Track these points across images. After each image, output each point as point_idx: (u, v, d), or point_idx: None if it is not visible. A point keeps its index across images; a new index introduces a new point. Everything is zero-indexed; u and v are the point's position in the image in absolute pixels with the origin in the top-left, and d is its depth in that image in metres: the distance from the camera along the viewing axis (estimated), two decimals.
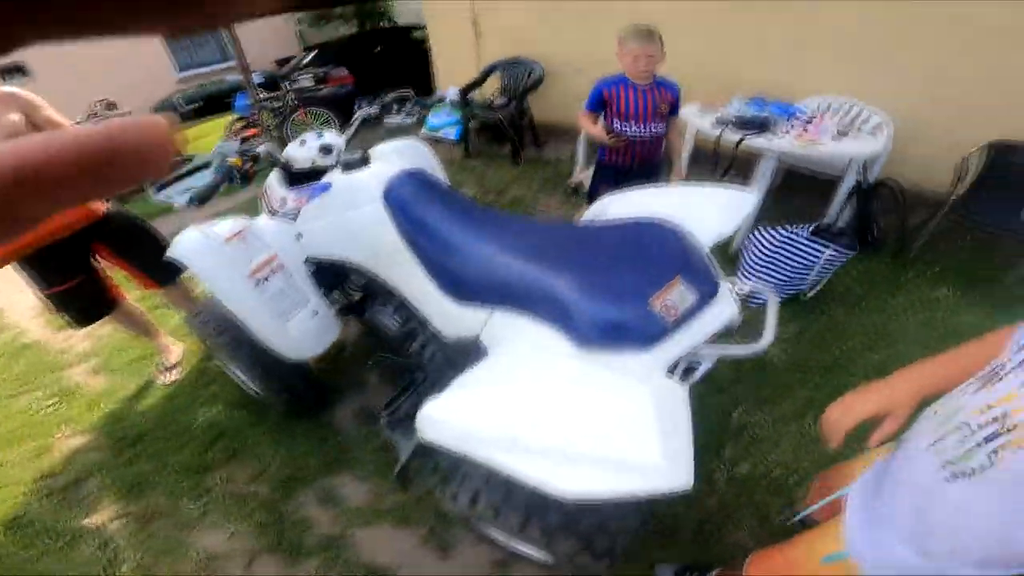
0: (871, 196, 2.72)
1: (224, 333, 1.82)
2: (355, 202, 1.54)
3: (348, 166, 1.62)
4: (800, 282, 2.40)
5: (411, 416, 1.31)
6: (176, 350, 2.69)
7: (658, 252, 1.18)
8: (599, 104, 2.22)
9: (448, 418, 0.93)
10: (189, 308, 2.52)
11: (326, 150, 1.75)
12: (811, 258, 2.28)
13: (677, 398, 0.93)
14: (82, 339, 3.04)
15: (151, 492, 2.10)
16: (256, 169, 1.71)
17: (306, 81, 6.42)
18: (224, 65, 11.46)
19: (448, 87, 5.13)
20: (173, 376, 2.59)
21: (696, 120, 2.90)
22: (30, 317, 3.51)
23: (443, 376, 1.47)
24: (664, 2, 3.37)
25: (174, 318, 2.98)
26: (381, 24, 14.11)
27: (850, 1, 2.84)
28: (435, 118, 5.08)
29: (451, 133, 4.98)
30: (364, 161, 1.65)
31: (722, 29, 3.37)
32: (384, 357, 1.91)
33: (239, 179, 1.65)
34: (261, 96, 7.00)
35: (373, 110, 2.04)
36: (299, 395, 2.09)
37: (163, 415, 2.43)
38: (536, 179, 4.20)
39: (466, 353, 1.32)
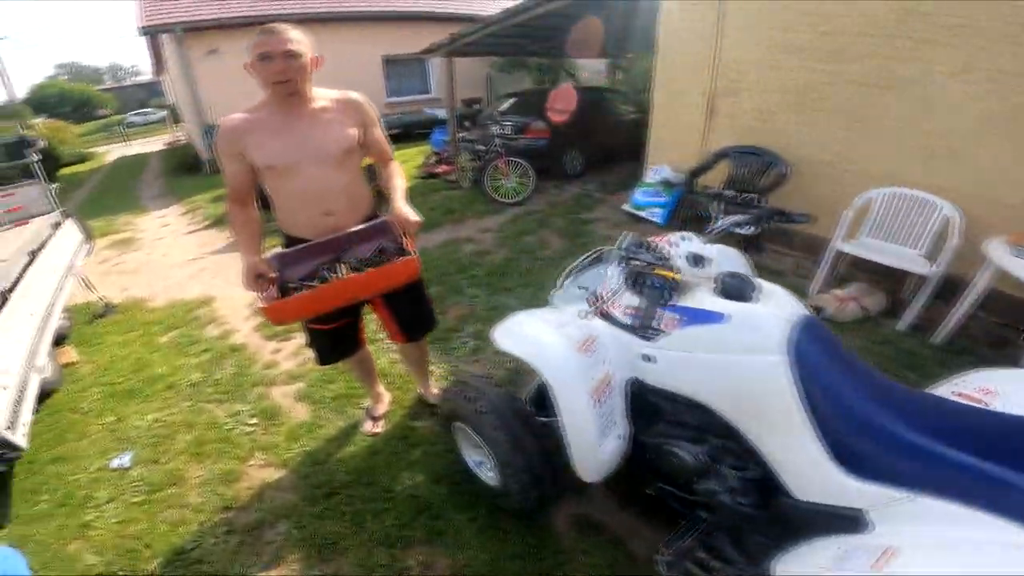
0: None
1: (503, 429, 1.66)
2: (750, 345, 1.26)
3: (737, 293, 1.33)
4: None
5: (696, 561, 1.33)
6: (386, 400, 2.52)
7: None
8: None
9: None
10: (419, 367, 2.42)
11: (697, 261, 1.43)
12: None
13: None
14: (288, 356, 3.03)
15: (341, 558, 1.87)
16: None
17: (504, 128, 6.54)
18: (423, 96, 12.47)
19: (660, 164, 4.84)
20: (379, 428, 2.43)
21: (1006, 260, 2.27)
22: (243, 317, 3.66)
23: (741, 525, 1.39)
24: (973, 104, 2.81)
25: (379, 360, 2.86)
26: (549, 80, 14.80)
27: None
28: (642, 195, 4.80)
29: (657, 215, 4.66)
30: (752, 289, 1.34)
31: None
32: (662, 488, 1.61)
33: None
34: (464, 136, 7.33)
35: (745, 227, 1.68)
36: (545, 499, 1.82)
37: (363, 470, 2.23)
38: None
39: (818, 518, 1.21)
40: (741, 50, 4.06)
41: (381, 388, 2.53)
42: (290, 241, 1.74)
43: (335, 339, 2.01)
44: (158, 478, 2.25)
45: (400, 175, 1.79)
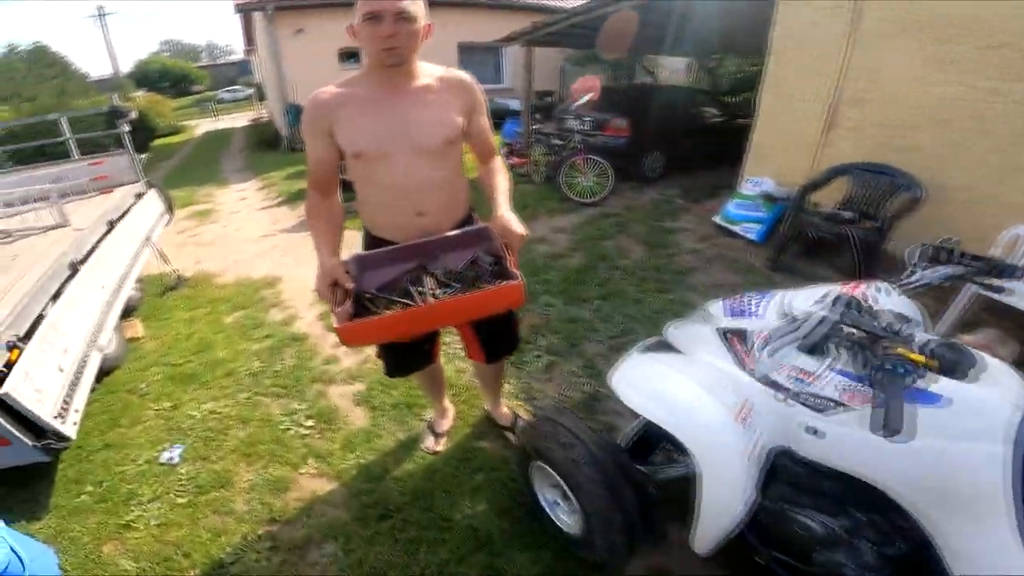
0: None
1: (602, 484, 1.40)
2: (969, 433, 1.00)
3: (954, 369, 1.03)
4: None
5: None
6: (451, 415, 2.30)
7: None
8: None
9: None
10: (493, 386, 2.19)
11: (899, 321, 1.09)
12: None
13: None
14: (350, 352, 2.86)
15: None
16: None
17: (581, 124, 6.17)
18: (496, 86, 12.28)
19: (761, 175, 4.34)
20: (440, 446, 2.20)
21: None
22: (307, 304, 3.55)
23: None
24: None
25: (445, 367, 2.62)
26: (625, 76, 14.19)
27: None
28: (736, 207, 4.33)
29: (752, 231, 4.18)
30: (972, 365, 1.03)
31: None
32: (776, 557, 1.32)
33: None
34: (539, 128, 7.03)
35: (950, 268, 1.29)
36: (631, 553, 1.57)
37: (421, 491, 2.00)
38: None
39: None
40: (877, 57, 3.53)
41: (447, 402, 2.30)
42: (372, 241, 1.50)
43: (408, 352, 1.77)
44: (206, 478, 2.11)
45: (505, 175, 1.49)
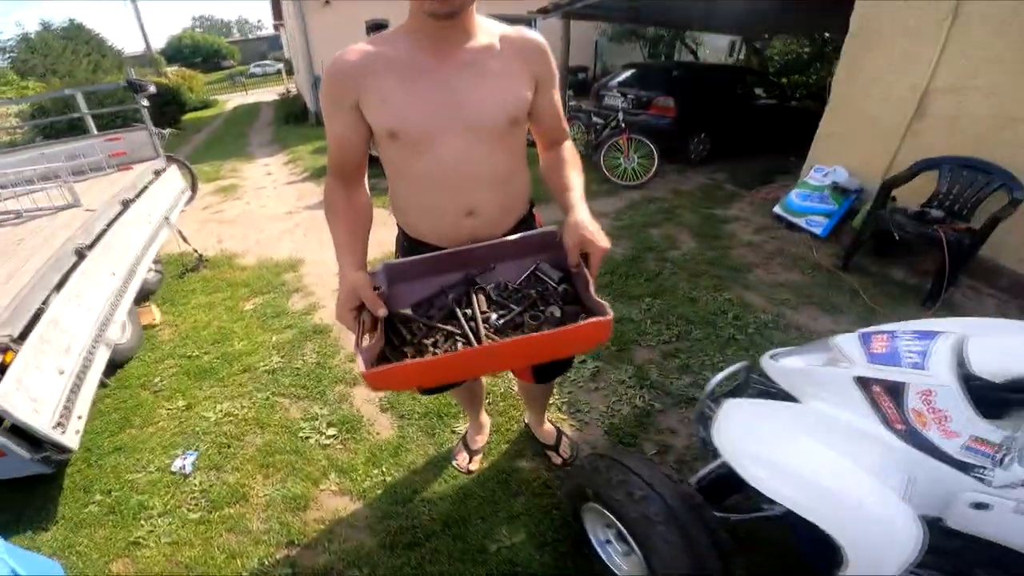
0: None
1: (679, 537, 1.14)
2: None
3: None
4: None
5: None
6: (487, 431, 2.06)
7: None
8: None
9: None
10: (538, 403, 1.93)
11: None
12: None
13: None
14: None
15: None
16: None
17: (624, 102, 5.74)
18: None
19: (831, 164, 3.90)
20: (475, 465, 1.96)
21: None
22: (331, 289, 3.33)
23: None
24: None
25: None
26: (665, 54, 13.43)
27: None
28: (800, 198, 3.91)
29: (817, 225, 3.76)
30: None
31: None
32: None
33: None
34: (580, 105, 6.62)
35: None
36: None
37: (453, 517, 1.77)
38: None
39: None
40: (981, 39, 3.05)
41: (484, 416, 2.04)
42: (408, 244, 1.20)
43: None
44: (220, 492, 1.91)
45: (579, 167, 1.13)
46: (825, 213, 3.75)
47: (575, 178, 1.08)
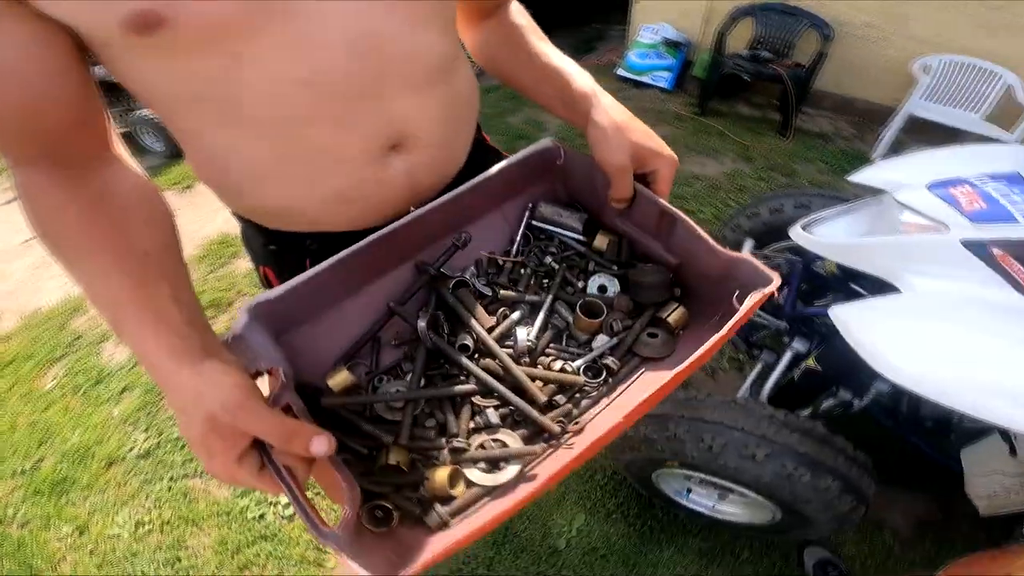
0: None
1: (793, 477, 0.94)
2: None
3: None
4: None
5: None
6: None
7: None
8: None
9: None
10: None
11: None
12: None
13: None
14: None
15: None
16: None
17: None
18: None
19: (654, 22, 3.83)
20: None
21: None
22: None
23: None
24: None
25: None
26: None
27: None
28: (639, 57, 3.79)
29: (662, 79, 3.74)
30: None
31: None
32: None
33: None
34: None
35: None
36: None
37: (499, 540, 1.47)
38: (816, 157, 3.05)
39: None
40: None
41: None
42: (280, 246, 0.63)
43: None
44: None
45: (541, 34, 0.65)
46: (666, 68, 3.73)
47: (557, 52, 0.63)
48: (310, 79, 0.45)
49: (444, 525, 0.42)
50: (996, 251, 0.79)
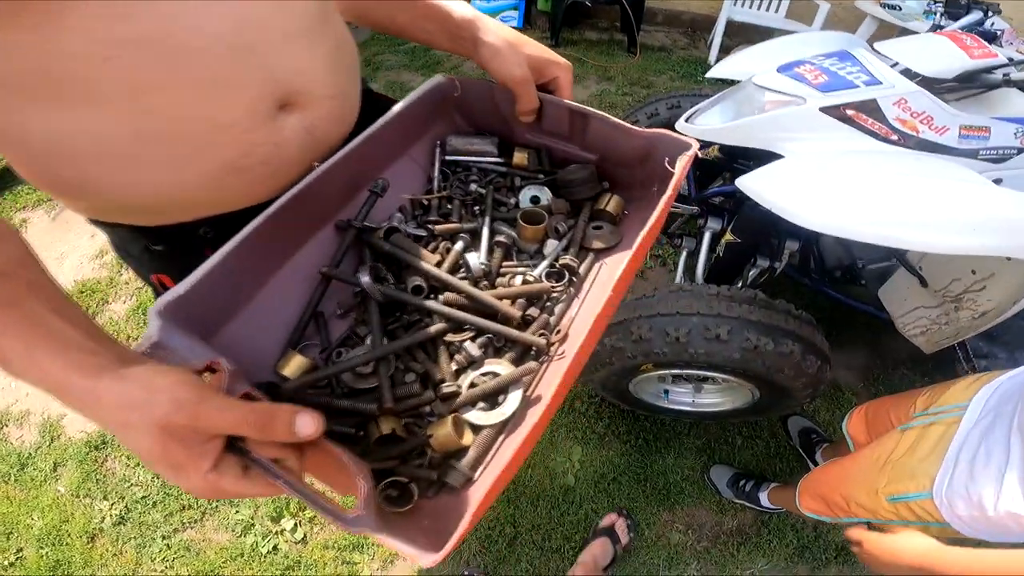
0: None
1: (756, 347, 1.01)
2: None
3: None
4: None
5: None
6: None
7: None
8: None
9: None
10: None
11: None
12: None
13: None
14: None
15: None
16: None
17: None
18: None
19: None
20: None
21: None
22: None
23: None
24: None
25: None
26: None
27: None
28: (484, 1, 3.71)
29: (512, 18, 3.72)
30: None
31: None
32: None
33: None
34: None
35: None
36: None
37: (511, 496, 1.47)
38: (665, 68, 3.27)
39: None
40: None
41: None
42: (157, 238, 0.54)
43: None
44: None
45: None
46: (512, 7, 3.71)
47: None
48: (149, 37, 0.37)
49: (469, 481, 0.40)
50: (849, 112, 0.95)
